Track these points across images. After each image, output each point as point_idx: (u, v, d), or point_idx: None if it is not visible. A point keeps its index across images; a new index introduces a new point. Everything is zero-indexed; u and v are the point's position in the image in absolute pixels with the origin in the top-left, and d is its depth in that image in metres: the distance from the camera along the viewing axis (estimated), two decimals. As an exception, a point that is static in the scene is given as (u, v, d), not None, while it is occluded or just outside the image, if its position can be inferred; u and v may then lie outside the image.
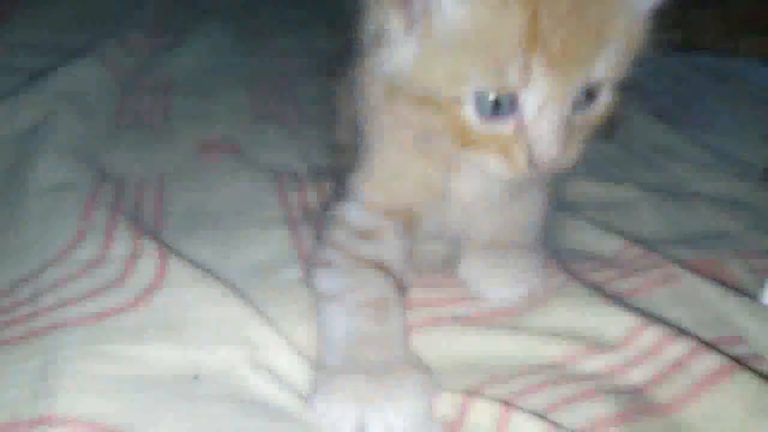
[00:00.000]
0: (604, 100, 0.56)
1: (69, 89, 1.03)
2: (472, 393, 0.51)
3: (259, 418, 0.47)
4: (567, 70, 0.51)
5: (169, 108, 1.08)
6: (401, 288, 0.61)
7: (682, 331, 0.57)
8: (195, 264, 0.62)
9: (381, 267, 0.61)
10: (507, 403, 0.49)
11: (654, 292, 0.66)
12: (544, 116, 0.53)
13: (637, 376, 0.55)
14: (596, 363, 0.55)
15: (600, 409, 0.50)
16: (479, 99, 0.53)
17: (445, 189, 0.65)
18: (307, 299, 0.59)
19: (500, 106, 0.53)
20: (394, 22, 0.54)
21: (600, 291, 0.64)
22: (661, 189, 0.92)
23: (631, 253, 0.73)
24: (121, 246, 0.63)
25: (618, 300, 0.63)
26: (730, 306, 0.63)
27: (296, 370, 0.53)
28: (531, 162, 0.54)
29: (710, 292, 0.65)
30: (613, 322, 0.59)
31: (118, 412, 0.44)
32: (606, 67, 0.53)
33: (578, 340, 0.58)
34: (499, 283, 0.64)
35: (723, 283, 0.67)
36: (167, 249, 0.64)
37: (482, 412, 0.49)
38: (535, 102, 0.53)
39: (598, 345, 0.57)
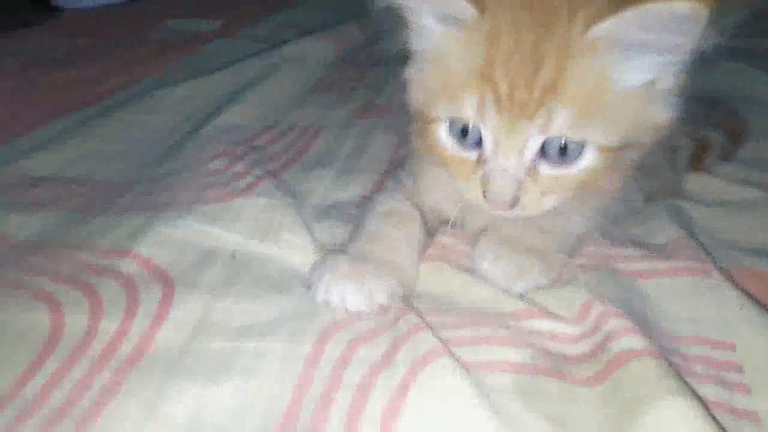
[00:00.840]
0: (588, 163, 0.57)
1: (293, 55, 1.35)
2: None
3: (273, 288, 0.65)
4: (515, 117, 0.55)
5: (360, 80, 1.31)
6: (428, 231, 0.72)
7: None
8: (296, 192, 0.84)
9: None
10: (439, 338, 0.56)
11: (665, 280, 0.65)
12: (498, 156, 0.57)
13: (571, 348, 0.58)
14: (539, 325, 0.60)
15: (510, 355, 0.56)
16: (452, 124, 0.60)
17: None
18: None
19: (469, 135, 0.59)
20: (412, 41, 0.62)
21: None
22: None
23: (678, 244, 0.71)
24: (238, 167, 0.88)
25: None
26: (731, 312, 0.60)
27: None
28: (485, 196, 0.59)
29: (725, 295, 0.62)
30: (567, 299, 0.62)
31: (174, 262, 0.68)
32: (567, 127, 0.54)
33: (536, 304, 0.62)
34: (500, 274, 0.65)
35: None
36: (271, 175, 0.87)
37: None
38: (491, 140, 0.57)
39: (551, 313, 0.61)
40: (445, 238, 0.73)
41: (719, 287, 0.63)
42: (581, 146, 0.57)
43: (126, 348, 0.56)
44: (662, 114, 0.58)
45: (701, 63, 0.54)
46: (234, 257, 0.70)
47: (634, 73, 0.55)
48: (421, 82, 0.62)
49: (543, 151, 0.57)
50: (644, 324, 0.58)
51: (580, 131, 0.55)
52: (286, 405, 0.51)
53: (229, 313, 0.61)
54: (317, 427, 0.49)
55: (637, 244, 0.73)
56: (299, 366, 0.54)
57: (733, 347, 0.57)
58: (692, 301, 0.62)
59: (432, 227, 0.74)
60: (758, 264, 0.68)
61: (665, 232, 0.74)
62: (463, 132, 0.59)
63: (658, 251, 0.70)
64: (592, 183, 0.59)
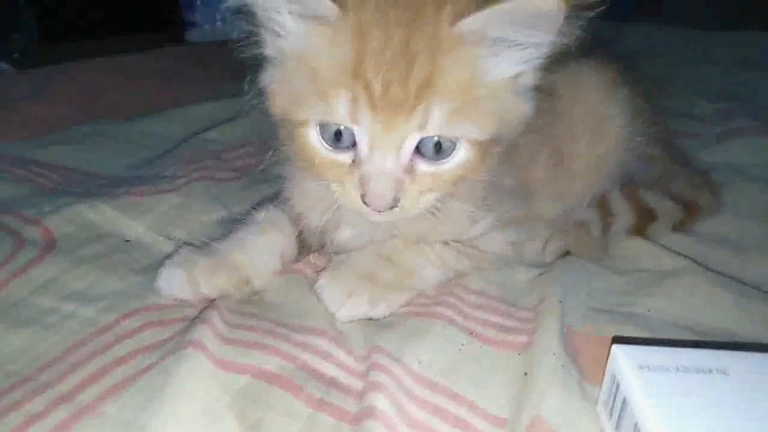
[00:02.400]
0: (460, 158, 0.58)
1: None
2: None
3: (134, 271, 0.73)
4: (391, 116, 0.54)
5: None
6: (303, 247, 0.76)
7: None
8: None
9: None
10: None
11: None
12: (374, 157, 0.56)
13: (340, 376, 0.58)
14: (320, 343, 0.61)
15: (260, 361, 0.57)
16: (322, 127, 0.57)
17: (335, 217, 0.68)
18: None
19: (342, 137, 0.57)
20: (265, 46, 0.60)
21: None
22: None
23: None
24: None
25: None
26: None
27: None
28: (363, 198, 0.57)
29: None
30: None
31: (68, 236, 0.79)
32: (442, 124, 0.54)
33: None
34: (327, 297, 0.66)
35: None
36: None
37: None
38: (365, 141, 0.56)
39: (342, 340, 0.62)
40: (316, 258, 0.76)
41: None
42: (455, 142, 0.57)
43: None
44: (523, 107, 0.60)
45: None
46: (127, 241, 0.79)
47: (501, 66, 0.56)
48: (283, 86, 0.59)
49: (418, 150, 0.57)
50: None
51: (454, 127, 0.55)
52: (53, 356, 0.58)
53: (75, 280, 0.69)
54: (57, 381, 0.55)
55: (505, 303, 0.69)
56: (87, 330, 0.61)
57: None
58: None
59: (310, 245, 0.77)
60: (602, 328, 0.63)
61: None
62: (336, 135, 0.57)
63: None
64: (466, 176, 0.60)
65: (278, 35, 0.58)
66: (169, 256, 0.71)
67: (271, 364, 0.57)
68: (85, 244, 0.76)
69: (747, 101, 1.45)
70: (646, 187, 0.85)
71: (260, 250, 0.71)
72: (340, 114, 0.55)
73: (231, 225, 0.83)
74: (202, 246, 0.72)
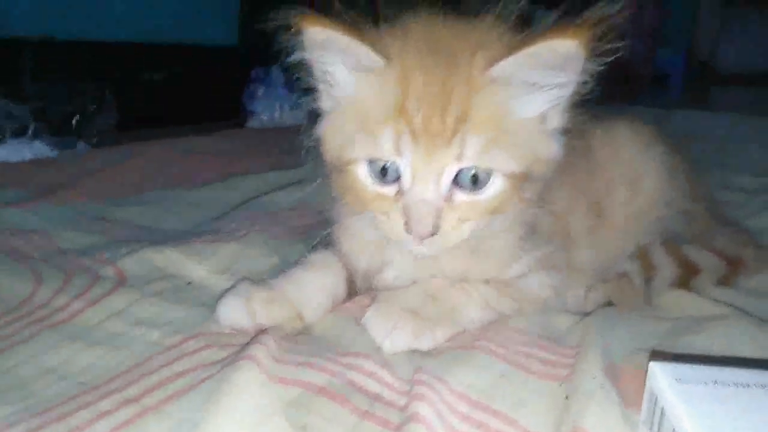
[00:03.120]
0: (495, 189, 0.63)
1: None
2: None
3: (198, 304, 0.79)
4: (431, 147, 0.60)
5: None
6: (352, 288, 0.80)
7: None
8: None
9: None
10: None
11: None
12: (416, 186, 0.62)
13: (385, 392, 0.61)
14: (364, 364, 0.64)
15: (310, 377, 0.61)
16: (371, 163, 0.64)
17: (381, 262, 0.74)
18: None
19: (388, 172, 0.63)
20: (321, 99, 0.68)
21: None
22: None
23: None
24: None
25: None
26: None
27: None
28: (407, 228, 0.62)
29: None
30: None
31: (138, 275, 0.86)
32: (478, 155, 0.60)
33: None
34: (373, 328, 0.69)
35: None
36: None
37: None
38: (409, 172, 0.62)
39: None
40: (364, 298, 0.80)
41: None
42: (489, 173, 0.62)
43: (58, 315, 0.74)
44: (552, 148, 0.65)
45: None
46: (189, 283, 0.85)
47: (529, 105, 0.63)
48: (336, 130, 0.66)
49: (456, 181, 0.62)
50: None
51: (488, 159, 0.61)
52: (121, 370, 0.63)
53: (143, 309, 0.76)
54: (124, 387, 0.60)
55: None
56: (154, 349, 0.66)
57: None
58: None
59: (359, 288, 0.81)
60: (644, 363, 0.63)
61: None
62: (382, 171, 0.63)
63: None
64: (500, 207, 0.64)
65: (331, 86, 0.66)
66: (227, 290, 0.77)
67: (319, 379, 0.60)
68: (152, 282, 0.83)
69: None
70: (688, 243, 0.87)
71: (313, 288, 0.76)
72: (386, 148, 0.61)
73: (283, 270, 0.89)
74: (260, 281, 0.77)
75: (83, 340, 0.68)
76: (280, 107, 2.63)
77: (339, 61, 0.64)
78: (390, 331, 0.67)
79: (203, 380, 0.60)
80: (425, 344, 0.68)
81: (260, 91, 2.68)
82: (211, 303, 0.78)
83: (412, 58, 0.62)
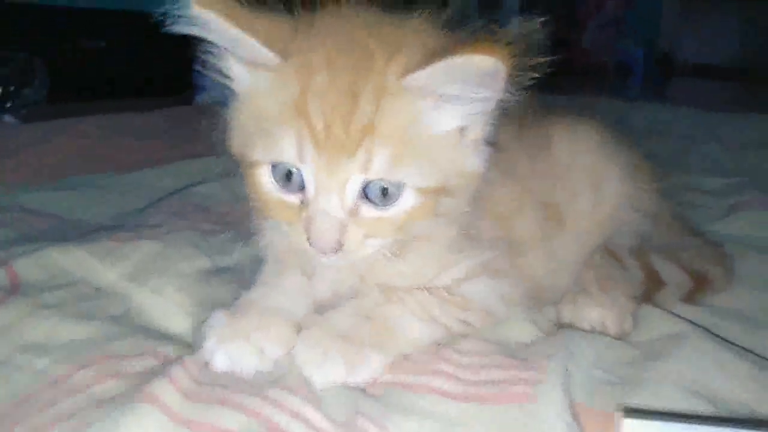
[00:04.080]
0: (406, 204, 0.56)
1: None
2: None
3: (103, 319, 0.67)
4: (334, 157, 0.53)
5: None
6: None
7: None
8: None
9: None
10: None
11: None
12: (319, 198, 0.55)
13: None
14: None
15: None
16: (274, 167, 0.57)
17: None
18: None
19: (293, 177, 0.56)
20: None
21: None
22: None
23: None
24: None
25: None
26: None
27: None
28: (309, 240, 0.56)
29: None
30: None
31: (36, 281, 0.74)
32: (386, 167, 0.54)
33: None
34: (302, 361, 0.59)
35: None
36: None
37: None
38: (312, 181, 0.55)
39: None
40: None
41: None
42: (400, 188, 0.56)
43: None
44: (473, 161, 0.60)
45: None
46: (98, 290, 0.74)
47: (447, 118, 0.57)
48: (238, 126, 0.59)
49: (364, 194, 0.56)
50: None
51: (397, 172, 0.55)
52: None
53: (34, 327, 0.64)
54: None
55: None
56: (36, 383, 0.55)
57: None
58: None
59: None
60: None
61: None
62: (287, 176, 0.57)
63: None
64: (411, 225, 0.58)
65: (226, 77, 0.59)
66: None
67: (234, 422, 0.51)
68: (50, 291, 0.71)
69: (756, 177, 1.43)
70: (656, 252, 0.81)
71: (294, 291, 0.66)
72: (288, 153, 0.55)
73: (215, 276, 0.79)
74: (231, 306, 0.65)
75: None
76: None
77: (228, 52, 0.57)
78: (320, 364, 0.58)
79: (90, 424, 0.49)
80: (361, 376, 0.58)
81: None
82: (119, 315, 0.68)
83: (318, 55, 0.55)
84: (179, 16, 0.52)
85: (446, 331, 0.65)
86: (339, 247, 0.56)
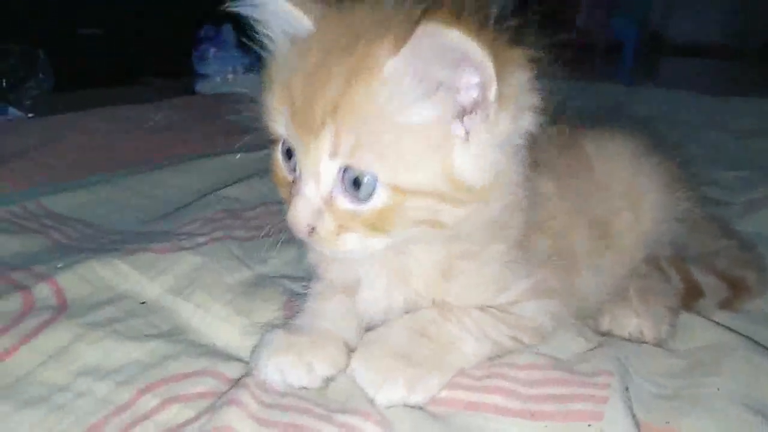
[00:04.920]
0: (380, 201, 0.54)
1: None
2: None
3: (154, 336, 0.66)
4: (304, 135, 0.53)
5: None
6: None
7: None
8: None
9: None
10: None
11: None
12: (302, 179, 0.55)
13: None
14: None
15: None
16: (283, 143, 0.58)
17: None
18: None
19: (292, 156, 0.57)
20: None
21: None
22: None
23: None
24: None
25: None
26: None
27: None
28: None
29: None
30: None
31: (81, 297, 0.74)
32: (350, 152, 0.52)
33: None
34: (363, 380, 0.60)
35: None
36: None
37: None
38: (298, 161, 0.56)
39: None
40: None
41: None
42: (373, 182, 0.53)
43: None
44: (473, 173, 0.54)
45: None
46: (144, 303, 0.74)
47: (426, 109, 0.52)
48: (266, 99, 0.59)
49: (343, 186, 0.54)
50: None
51: (364, 159, 0.52)
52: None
53: (89, 348, 0.63)
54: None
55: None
56: (106, 410, 0.55)
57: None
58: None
59: None
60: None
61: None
62: (288, 153, 0.58)
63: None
64: (384, 226, 0.55)
65: (270, 51, 0.60)
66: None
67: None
68: (99, 306, 0.71)
69: (764, 169, 1.43)
70: (693, 261, 0.82)
71: (340, 314, 0.66)
72: (281, 130, 0.57)
73: (259, 287, 0.79)
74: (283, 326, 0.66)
75: (12, 399, 0.56)
76: (233, 70, 2.45)
77: (274, 22, 0.58)
78: (381, 383, 0.59)
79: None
80: (420, 397, 0.59)
81: (211, 52, 2.48)
82: (169, 332, 0.68)
83: (316, 37, 0.55)
84: None
85: (499, 348, 0.66)
86: (311, 231, 0.55)
